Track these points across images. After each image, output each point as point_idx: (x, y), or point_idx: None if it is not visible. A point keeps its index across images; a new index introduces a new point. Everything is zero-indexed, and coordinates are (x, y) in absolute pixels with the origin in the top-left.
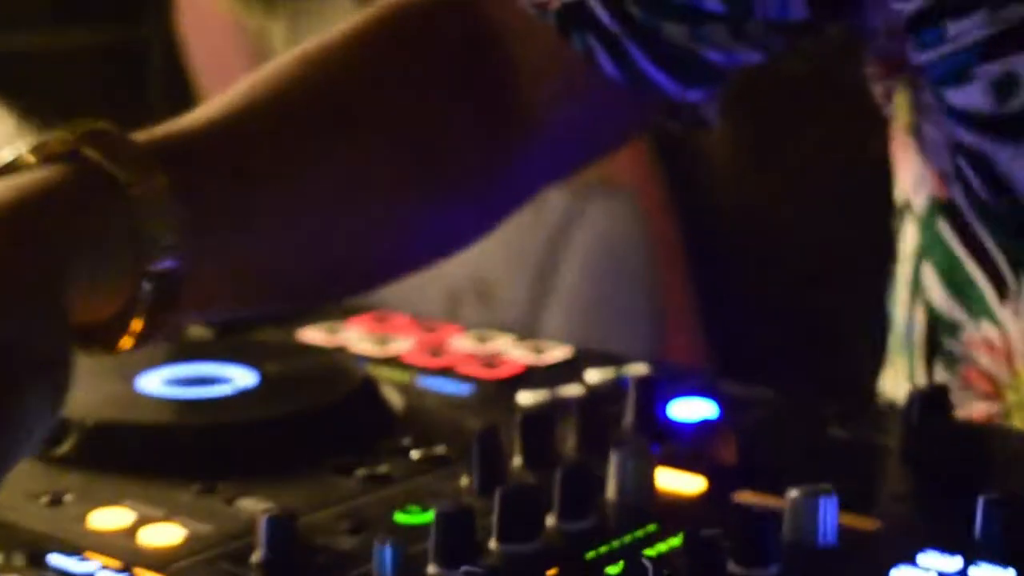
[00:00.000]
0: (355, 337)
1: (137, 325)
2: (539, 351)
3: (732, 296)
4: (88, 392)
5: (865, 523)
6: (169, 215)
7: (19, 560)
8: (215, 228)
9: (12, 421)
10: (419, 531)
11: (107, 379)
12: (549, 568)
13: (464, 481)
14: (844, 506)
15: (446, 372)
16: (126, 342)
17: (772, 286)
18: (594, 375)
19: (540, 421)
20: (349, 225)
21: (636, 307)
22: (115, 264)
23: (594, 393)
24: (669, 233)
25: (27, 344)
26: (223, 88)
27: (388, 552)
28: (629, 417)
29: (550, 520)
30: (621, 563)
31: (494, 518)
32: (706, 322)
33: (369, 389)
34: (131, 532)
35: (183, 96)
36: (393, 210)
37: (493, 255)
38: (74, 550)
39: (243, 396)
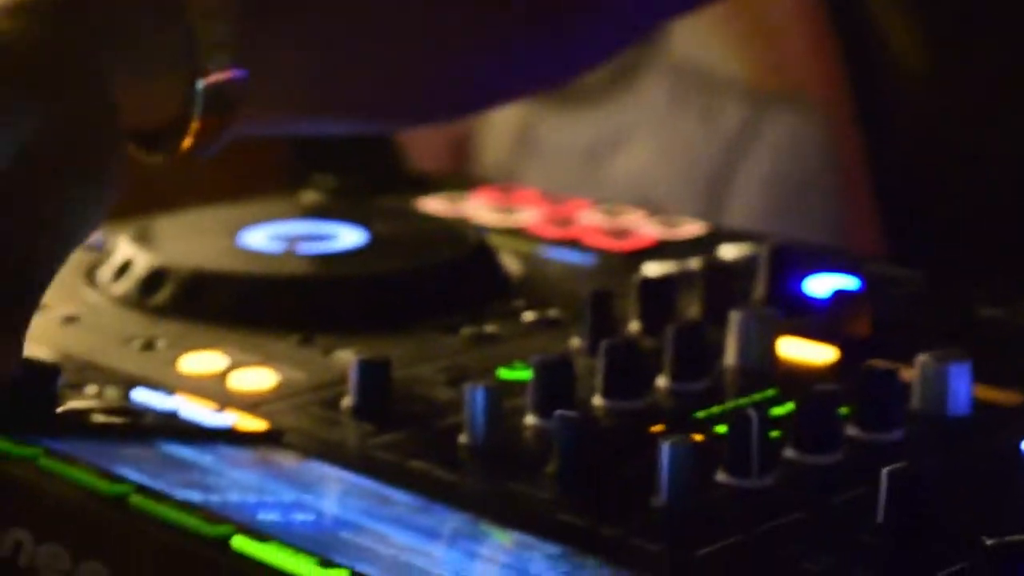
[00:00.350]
0: (477, 207)
1: (195, 129)
2: (672, 226)
3: (924, 223)
4: (188, 243)
5: (1002, 396)
6: (225, 14)
7: (112, 394)
8: (274, 31)
9: (54, 219)
10: (522, 387)
11: (210, 232)
12: (654, 425)
13: (575, 342)
14: (982, 379)
15: (570, 243)
16: (183, 148)
17: (968, 210)
18: (729, 250)
19: (660, 287)
20: (419, 37)
21: (816, 234)
22: (166, 63)
23: (722, 264)
24: (857, 152)
25: (71, 134)
26: None
27: (480, 395)
28: (760, 290)
29: (662, 381)
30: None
31: (598, 373)
32: (894, 252)
33: (482, 252)
34: (222, 376)
35: None
36: (466, 33)
37: (660, 172)
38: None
39: (350, 253)
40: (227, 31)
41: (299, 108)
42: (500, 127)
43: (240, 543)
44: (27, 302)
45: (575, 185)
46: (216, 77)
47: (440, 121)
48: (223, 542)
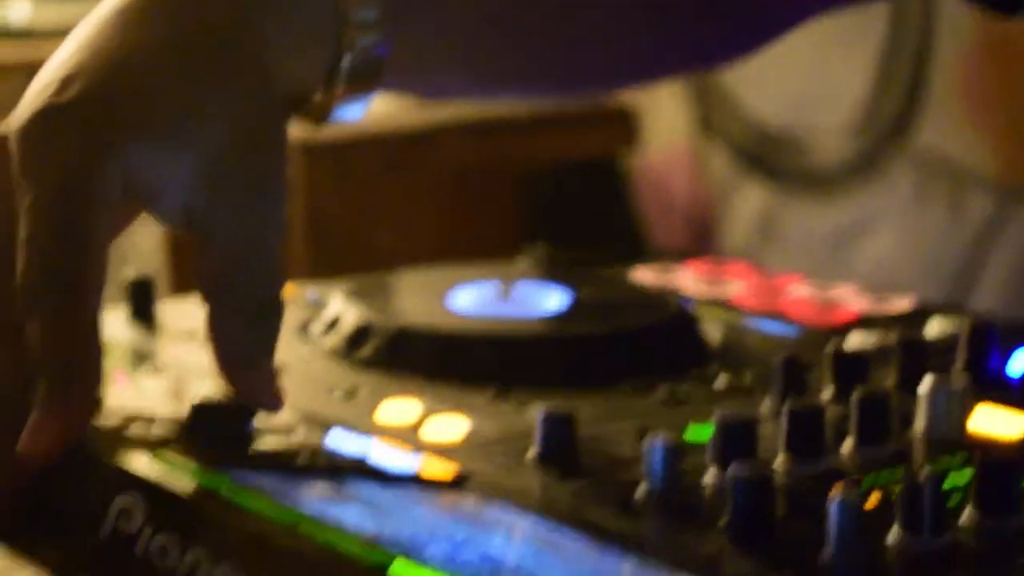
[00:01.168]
0: (687, 277)
1: (338, 96)
2: (882, 301)
3: None
4: (396, 300)
5: None
6: None
7: (308, 436)
8: (420, 8)
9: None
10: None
11: (418, 291)
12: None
13: (765, 406)
14: None
15: (774, 315)
16: (324, 110)
17: None
18: (934, 326)
19: (854, 359)
20: (578, 16)
21: None
22: (314, 39)
23: (920, 339)
24: None
25: (237, 119)
26: None
27: (659, 446)
28: (958, 364)
29: (846, 446)
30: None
31: (781, 433)
32: None
33: (682, 319)
34: (416, 425)
35: None
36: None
37: (905, 261)
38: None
39: (552, 315)
40: (374, 12)
41: (442, 79)
42: (743, 211)
43: (399, 570)
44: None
45: (818, 272)
46: (361, 54)
47: (586, 93)
48: (382, 569)
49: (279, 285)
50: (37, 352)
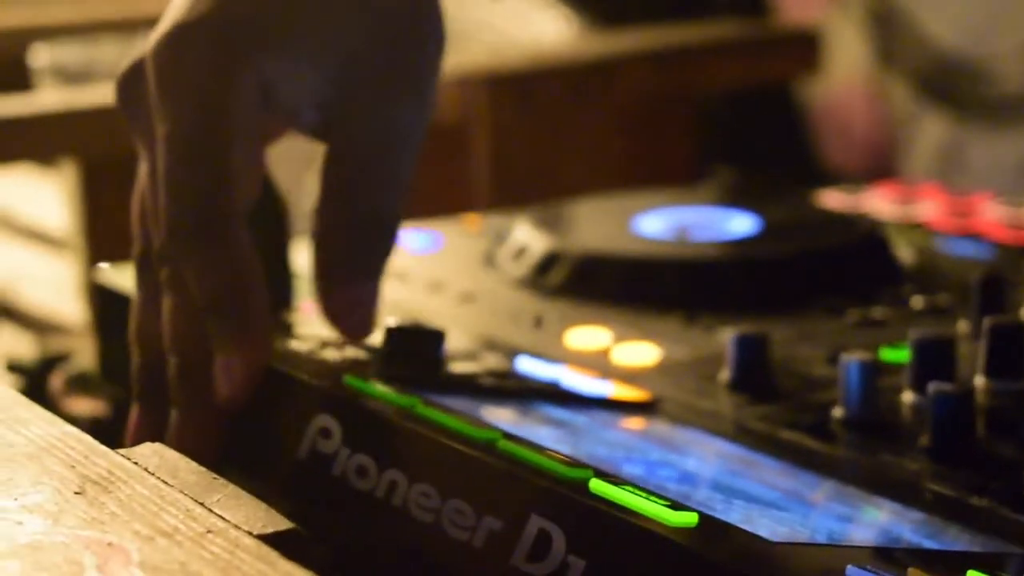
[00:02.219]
0: (876, 201)
1: None
2: None
3: None
4: (582, 228)
5: None
6: None
7: (497, 362)
8: None
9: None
10: (903, 368)
11: (604, 218)
12: None
13: (962, 326)
14: None
15: (967, 235)
16: None
17: None
18: None
19: None
20: None
21: None
22: None
23: None
24: None
25: (377, 26)
26: None
27: (855, 368)
28: None
29: None
30: None
31: (981, 352)
32: None
33: (873, 239)
34: (605, 351)
35: None
36: None
37: None
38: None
39: (740, 238)
40: None
41: None
42: (925, 142)
43: (597, 486)
44: (389, 245)
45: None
46: None
47: None
48: (582, 484)
49: (400, 203)
50: (196, 294)
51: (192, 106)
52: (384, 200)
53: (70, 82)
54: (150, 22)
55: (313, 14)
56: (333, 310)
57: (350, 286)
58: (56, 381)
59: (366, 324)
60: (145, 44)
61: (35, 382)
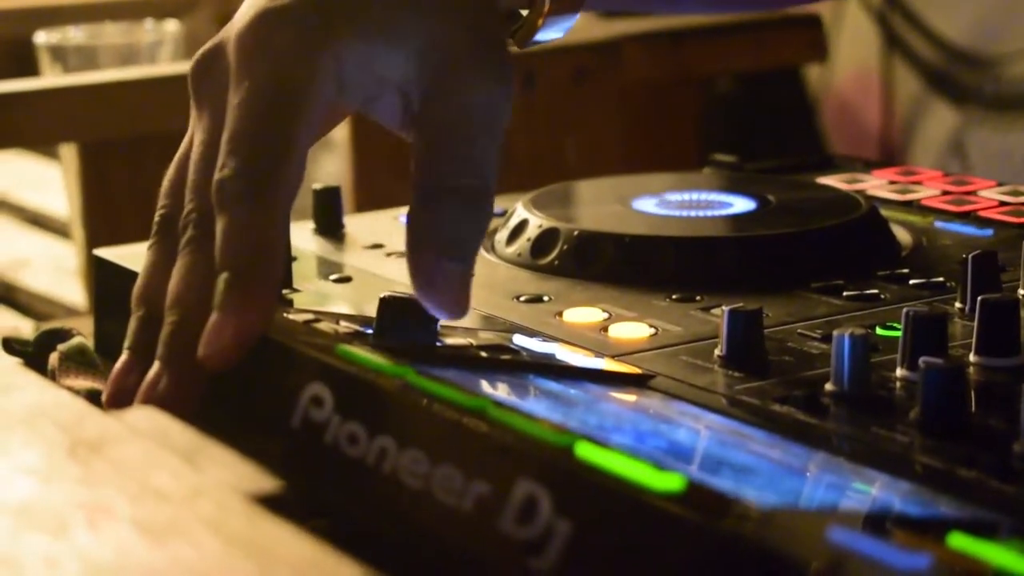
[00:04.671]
0: (876, 184)
1: (545, 11)
2: None
3: None
4: (579, 207)
5: None
6: None
7: (493, 337)
8: None
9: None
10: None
11: (603, 198)
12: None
13: (957, 304)
14: None
15: (965, 216)
16: (530, 28)
17: None
18: None
19: None
20: None
21: None
22: None
23: None
24: None
25: (468, 37)
26: None
27: (847, 342)
28: None
29: None
30: None
31: (974, 329)
32: None
33: (872, 218)
34: (601, 328)
35: None
36: None
37: None
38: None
39: (737, 216)
40: None
41: None
42: (932, 132)
43: (584, 450)
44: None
45: None
46: None
47: (772, 5)
48: (568, 449)
49: (490, 182)
50: (220, 251)
51: (274, 79)
52: (472, 180)
53: (74, 66)
54: (154, 7)
55: (394, 6)
56: (426, 288)
57: (439, 264)
58: (54, 358)
59: (461, 303)
60: (227, 29)
61: (33, 358)
